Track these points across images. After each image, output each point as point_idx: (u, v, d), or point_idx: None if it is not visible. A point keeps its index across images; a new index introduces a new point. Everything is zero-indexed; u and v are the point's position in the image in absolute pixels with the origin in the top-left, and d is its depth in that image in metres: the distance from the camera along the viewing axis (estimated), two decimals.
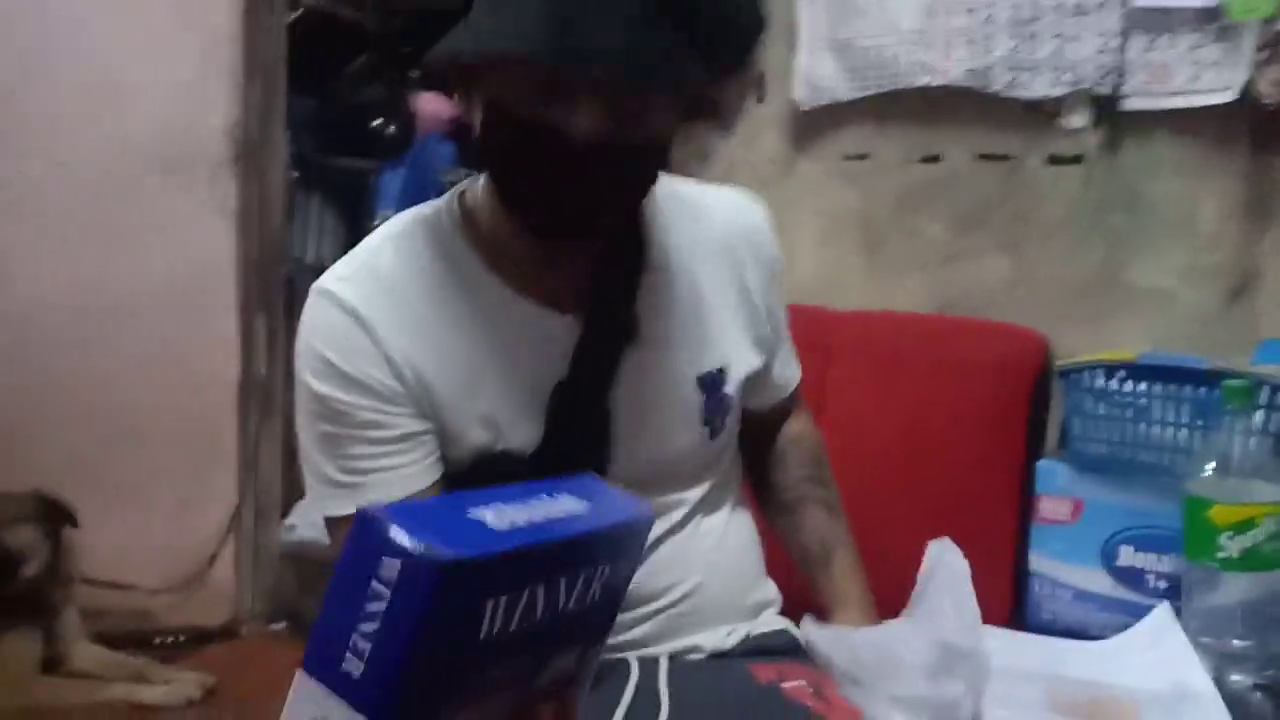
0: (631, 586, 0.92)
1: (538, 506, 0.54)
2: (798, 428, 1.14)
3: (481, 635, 0.49)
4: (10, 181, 2.25)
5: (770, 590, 1.07)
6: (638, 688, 0.92)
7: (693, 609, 0.98)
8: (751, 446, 1.11)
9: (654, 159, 0.86)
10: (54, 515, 2.09)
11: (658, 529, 0.96)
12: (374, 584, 0.48)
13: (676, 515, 0.99)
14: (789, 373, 1.10)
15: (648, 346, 0.94)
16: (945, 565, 0.93)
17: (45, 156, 2.26)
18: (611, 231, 0.92)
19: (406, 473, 0.88)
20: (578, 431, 0.92)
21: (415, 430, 0.88)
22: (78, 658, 2.09)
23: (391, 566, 0.47)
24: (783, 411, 1.13)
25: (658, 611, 0.97)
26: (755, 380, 1.04)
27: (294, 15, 2.48)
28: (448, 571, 0.47)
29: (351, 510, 0.86)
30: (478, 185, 0.93)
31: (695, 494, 1.00)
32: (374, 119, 2.86)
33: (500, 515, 0.51)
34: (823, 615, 1.01)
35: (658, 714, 0.89)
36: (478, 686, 0.52)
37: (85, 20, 2.25)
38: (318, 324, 0.89)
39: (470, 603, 0.48)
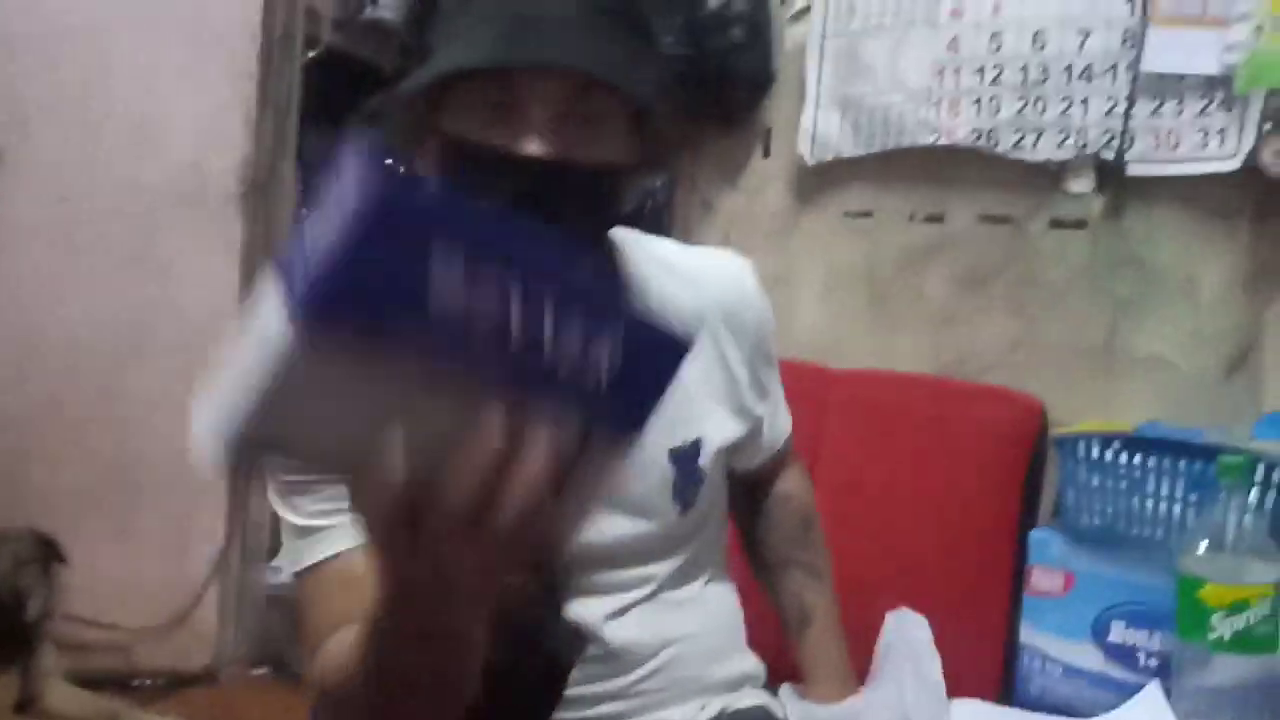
0: (602, 656, 0.90)
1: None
2: (788, 486, 1.12)
3: (430, 298, 0.46)
4: (22, 216, 2.26)
5: (750, 663, 1.03)
6: None
7: (666, 683, 0.95)
8: (741, 503, 1.09)
9: (607, 186, 0.84)
10: (48, 553, 2.08)
11: (625, 599, 0.94)
12: (332, 202, 0.46)
13: (646, 589, 0.96)
14: (778, 428, 1.08)
15: None
16: (905, 634, 0.90)
17: (57, 193, 2.28)
18: None
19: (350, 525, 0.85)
20: None
21: None
22: (52, 697, 2.06)
23: (348, 183, 0.45)
24: (774, 467, 1.11)
25: (631, 685, 0.94)
26: (737, 448, 1.01)
27: (312, 54, 2.50)
28: (395, 194, 0.45)
29: (319, 558, 0.84)
30: None
31: (666, 568, 0.97)
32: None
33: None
34: (802, 681, 0.99)
35: None
36: (422, 355, 0.48)
37: (101, 58, 2.28)
38: None
39: (415, 249, 0.46)
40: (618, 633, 0.93)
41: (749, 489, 1.09)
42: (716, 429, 0.97)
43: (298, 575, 0.87)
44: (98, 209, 2.29)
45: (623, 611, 0.94)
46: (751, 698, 1.00)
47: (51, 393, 2.28)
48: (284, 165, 2.47)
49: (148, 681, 2.29)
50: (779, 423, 1.08)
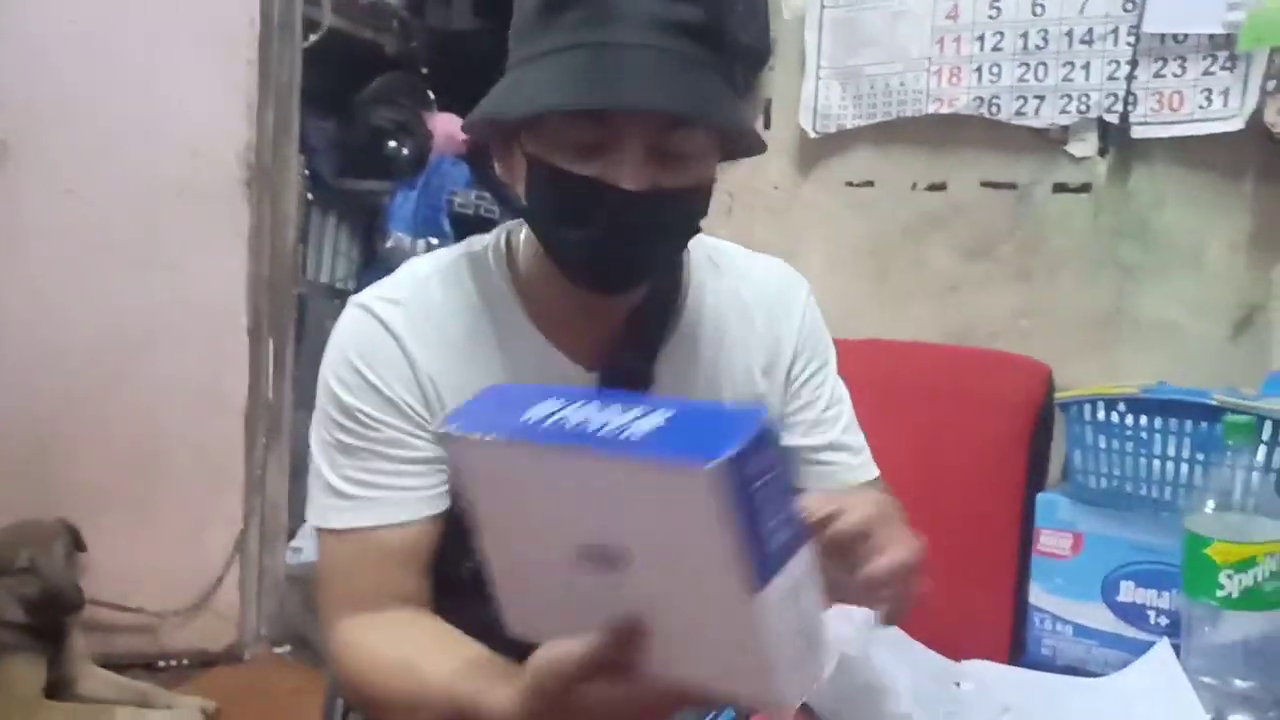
0: None
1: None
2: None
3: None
4: (31, 210, 2.27)
5: None
6: None
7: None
8: None
9: (697, 205, 0.86)
10: (74, 542, 2.12)
11: None
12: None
13: None
14: (852, 463, 1.02)
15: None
16: None
17: (64, 186, 2.28)
18: (652, 281, 0.91)
19: (417, 495, 0.87)
20: None
21: (434, 456, 0.88)
22: (84, 682, 2.11)
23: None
24: None
25: None
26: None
27: (314, 37, 2.50)
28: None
29: (350, 525, 0.87)
30: (522, 230, 0.94)
31: None
32: (389, 140, 2.89)
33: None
34: None
35: None
36: None
37: (101, 49, 2.28)
38: (356, 336, 0.89)
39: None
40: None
41: None
42: None
43: (326, 531, 0.89)
44: (104, 201, 2.29)
45: None
46: None
47: (68, 385, 2.30)
48: (287, 150, 2.48)
49: (173, 662, 2.33)
50: (855, 461, 1.02)
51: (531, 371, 0.90)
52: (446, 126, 2.93)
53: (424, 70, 3.01)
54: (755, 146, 0.83)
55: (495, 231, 0.97)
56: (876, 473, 1.04)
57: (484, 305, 0.91)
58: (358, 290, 0.95)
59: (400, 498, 0.87)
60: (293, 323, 2.51)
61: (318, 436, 0.90)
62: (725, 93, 0.81)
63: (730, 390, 0.96)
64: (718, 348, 0.96)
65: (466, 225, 2.91)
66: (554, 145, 0.80)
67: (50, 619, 2.05)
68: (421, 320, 0.89)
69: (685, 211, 0.85)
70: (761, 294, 0.99)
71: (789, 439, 0.99)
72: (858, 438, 1.04)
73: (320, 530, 0.90)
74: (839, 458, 1.02)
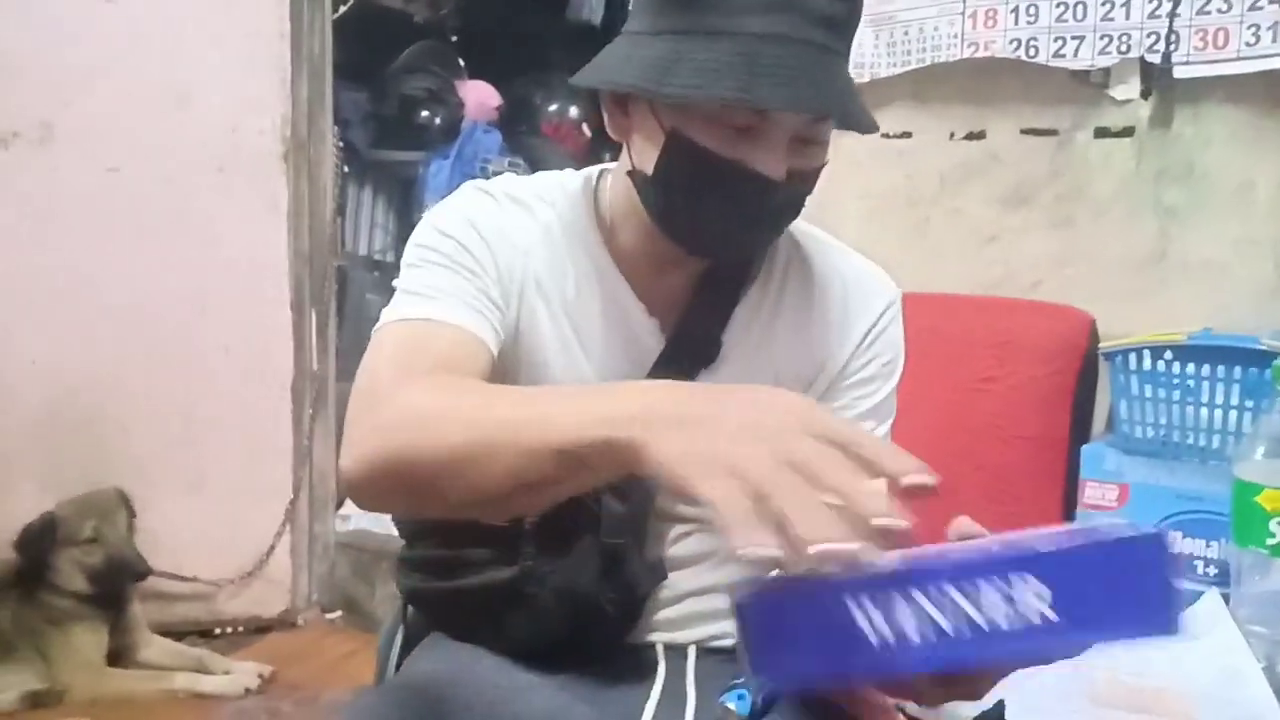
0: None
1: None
2: None
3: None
4: (70, 186, 2.30)
5: None
6: (665, 680, 0.92)
7: (721, 599, 0.97)
8: None
9: (814, 184, 0.88)
10: (130, 511, 2.17)
11: (686, 527, 0.96)
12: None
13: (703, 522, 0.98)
14: None
15: (724, 377, 0.94)
16: None
17: (102, 160, 2.31)
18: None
19: (485, 316, 0.87)
20: None
21: (501, 304, 0.90)
22: (143, 648, 2.17)
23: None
24: None
25: (686, 595, 0.97)
26: None
27: (344, 8, 2.50)
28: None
29: (408, 316, 0.86)
30: (609, 175, 0.96)
31: None
32: (422, 110, 2.89)
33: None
34: None
35: (684, 708, 0.89)
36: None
37: (134, 26, 2.30)
38: (468, 202, 0.93)
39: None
40: (683, 545, 0.96)
41: None
42: None
43: (391, 322, 0.87)
44: (145, 178, 2.32)
45: (687, 532, 0.96)
46: None
47: (115, 359, 2.34)
48: (322, 123, 2.49)
49: (229, 629, 2.39)
50: None
51: (606, 302, 0.92)
52: (478, 94, 2.92)
53: (454, 38, 3.00)
54: (870, 128, 0.85)
55: (585, 171, 0.99)
56: None
57: (575, 233, 0.94)
58: (397, 261, 0.96)
59: (469, 305, 0.87)
60: (333, 295, 2.54)
61: (403, 277, 0.90)
62: (852, 82, 0.84)
63: (785, 366, 0.96)
64: (779, 324, 0.96)
65: None
66: (702, 124, 0.81)
67: (113, 588, 2.12)
68: (526, 217, 0.93)
69: (806, 192, 0.87)
70: (842, 287, 0.98)
71: None
72: None
73: (384, 326, 0.87)
74: None
